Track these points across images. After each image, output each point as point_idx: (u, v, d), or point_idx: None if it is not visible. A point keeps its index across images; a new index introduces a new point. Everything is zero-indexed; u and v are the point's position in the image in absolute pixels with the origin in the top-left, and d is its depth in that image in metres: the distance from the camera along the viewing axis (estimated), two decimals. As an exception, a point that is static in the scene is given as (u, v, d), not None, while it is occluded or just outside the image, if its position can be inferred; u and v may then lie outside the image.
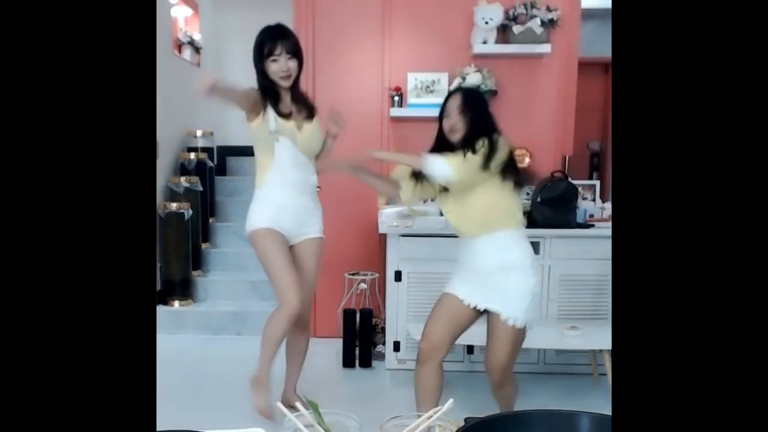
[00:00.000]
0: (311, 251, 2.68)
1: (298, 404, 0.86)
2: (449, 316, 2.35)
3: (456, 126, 2.25)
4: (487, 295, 2.27)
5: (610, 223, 3.38)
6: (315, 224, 2.68)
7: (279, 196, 2.54)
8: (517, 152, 3.21)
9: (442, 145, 2.31)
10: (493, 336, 2.32)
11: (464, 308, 2.33)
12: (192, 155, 4.61)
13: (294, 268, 2.55)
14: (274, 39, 2.44)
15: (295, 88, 2.55)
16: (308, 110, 2.59)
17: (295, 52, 2.48)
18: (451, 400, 0.85)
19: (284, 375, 2.81)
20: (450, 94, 2.36)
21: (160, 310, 4.11)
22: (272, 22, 2.56)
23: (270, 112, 2.47)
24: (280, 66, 2.44)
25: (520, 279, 2.24)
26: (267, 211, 2.55)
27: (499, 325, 2.27)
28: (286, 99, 2.54)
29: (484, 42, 3.61)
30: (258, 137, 2.51)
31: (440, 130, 2.32)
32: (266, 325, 2.58)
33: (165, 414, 1.09)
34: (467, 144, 2.22)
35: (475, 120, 2.25)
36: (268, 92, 2.49)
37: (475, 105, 2.28)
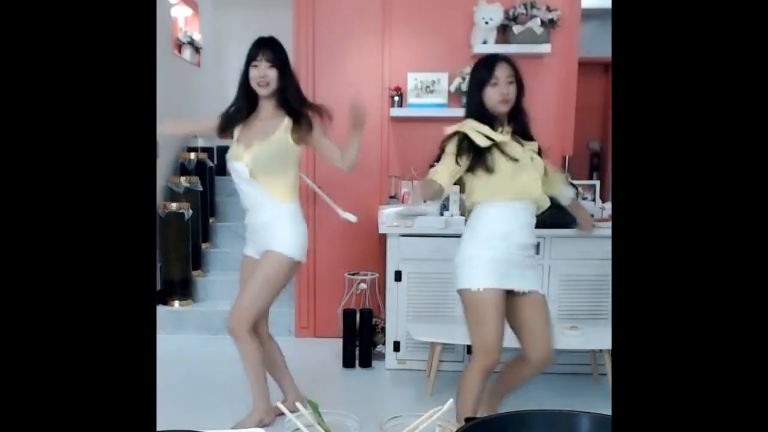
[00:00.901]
0: (258, 265, 2.56)
1: (298, 404, 0.86)
2: (498, 314, 2.22)
3: (509, 96, 2.27)
4: (523, 274, 2.25)
5: (610, 223, 3.38)
6: (275, 239, 2.53)
7: (247, 218, 2.64)
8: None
9: (478, 116, 2.29)
10: (536, 318, 2.28)
11: (503, 299, 2.23)
12: (192, 155, 4.61)
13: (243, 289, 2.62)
14: (258, 46, 2.51)
15: (280, 100, 2.54)
16: (295, 120, 2.52)
17: (276, 62, 2.49)
18: (451, 400, 0.85)
19: (291, 374, 2.82)
20: (496, 58, 2.32)
21: (160, 310, 4.10)
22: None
23: (235, 136, 2.58)
24: (258, 72, 2.48)
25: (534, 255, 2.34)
26: (246, 235, 2.69)
27: (540, 302, 2.29)
28: (264, 111, 2.56)
29: (484, 42, 3.61)
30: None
31: (478, 102, 2.29)
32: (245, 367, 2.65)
33: (165, 414, 1.09)
34: (514, 118, 2.29)
35: (521, 93, 2.32)
36: (239, 103, 2.57)
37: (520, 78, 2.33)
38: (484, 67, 2.30)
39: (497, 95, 2.25)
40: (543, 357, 2.30)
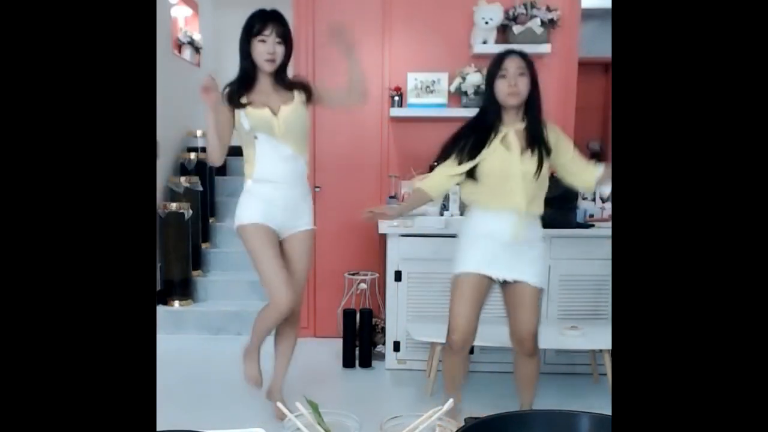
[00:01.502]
0: (302, 244, 2.60)
1: (298, 404, 0.86)
2: (474, 298, 2.40)
3: (518, 88, 2.30)
4: (511, 265, 2.36)
5: (610, 223, 3.38)
6: (305, 216, 2.60)
7: (266, 189, 2.50)
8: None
9: (487, 113, 2.35)
10: (521, 305, 2.40)
11: (486, 285, 2.40)
12: (192, 155, 4.61)
13: (284, 266, 2.52)
14: (265, 20, 2.42)
15: (278, 76, 2.50)
16: (290, 90, 2.52)
17: (285, 38, 2.43)
18: (451, 400, 0.85)
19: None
20: (506, 51, 2.36)
21: (160, 310, 4.10)
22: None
23: (241, 113, 2.46)
24: (266, 47, 2.40)
25: (538, 244, 2.41)
26: (255, 205, 2.51)
27: (528, 291, 2.38)
28: (264, 85, 2.49)
29: (484, 42, 3.61)
30: (238, 133, 2.51)
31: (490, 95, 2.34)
32: (256, 318, 2.63)
33: (165, 414, 1.09)
34: (531, 112, 2.34)
35: (535, 86, 2.35)
36: (244, 78, 2.47)
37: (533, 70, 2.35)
38: (495, 61, 2.35)
39: (506, 87, 2.29)
40: (520, 338, 2.43)
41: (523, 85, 2.30)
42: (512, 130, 2.33)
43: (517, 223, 2.31)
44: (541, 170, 2.31)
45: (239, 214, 2.54)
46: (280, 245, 2.58)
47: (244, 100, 2.46)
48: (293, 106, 2.48)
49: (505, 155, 2.31)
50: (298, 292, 2.60)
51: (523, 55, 2.33)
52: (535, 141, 2.33)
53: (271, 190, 2.50)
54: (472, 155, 2.32)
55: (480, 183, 2.34)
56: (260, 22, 2.41)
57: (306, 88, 2.56)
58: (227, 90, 2.50)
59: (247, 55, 2.45)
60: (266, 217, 2.50)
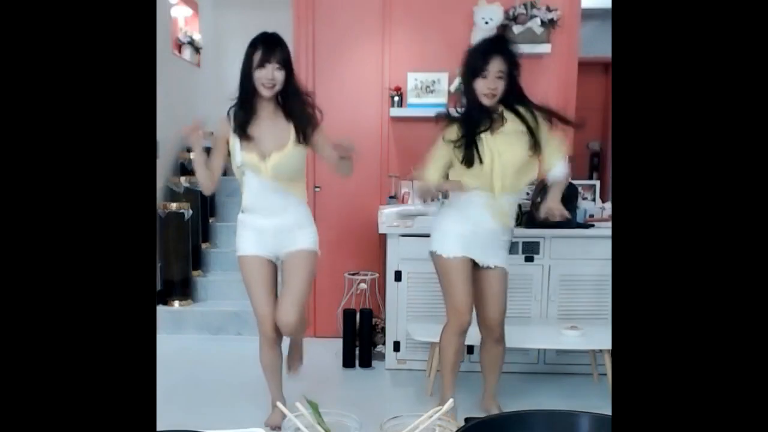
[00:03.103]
0: (296, 263, 2.56)
1: (298, 404, 0.86)
2: (468, 279, 2.53)
3: (495, 91, 2.38)
4: (490, 250, 2.54)
5: (610, 223, 3.38)
6: (302, 237, 2.56)
7: (257, 220, 2.54)
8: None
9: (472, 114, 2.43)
10: (493, 292, 2.58)
11: (471, 269, 2.54)
12: (192, 155, 4.60)
13: (270, 297, 2.59)
14: (264, 46, 2.41)
15: (286, 100, 2.49)
16: (301, 123, 2.49)
17: (285, 64, 2.43)
18: (451, 400, 0.85)
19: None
20: (491, 51, 2.41)
21: (160, 310, 4.10)
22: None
23: (236, 144, 2.47)
24: (266, 73, 2.40)
25: (511, 230, 2.60)
26: (248, 235, 2.57)
27: (500, 278, 2.57)
28: (263, 113, 2.49)
29: (484, 42, 3.60)
30: (232, 160, 2.53)
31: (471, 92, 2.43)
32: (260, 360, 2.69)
33: (165, 414, 1.09)
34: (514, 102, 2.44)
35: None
36: (244, 103, 2.47)
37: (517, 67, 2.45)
38: (477, 57, 2.41)
39: (483, 88, 2.39)
40: (490, 326, 2.60)
41: (501, 87, 2.39)
42: (499, 122, 2.44)
43: (500, 208, 2.45)
44: (526, 156, 2.43)
45: (237, 245, 2.62)
46: (283, 266, 2.61)
47: (240, 130, 2.47)
48: (285, 153, 2.46)
49: (492, 145, 2.41)
50: (293, 310, 2.54)
51: (505, 54, 2.39)
52: (523, 130, 2.44)
53: (260, 219, 2.54)
54: (468, 160, 2.42)
55: (467, 170, 2.44)
56: (261, 48, 2.41)
57: (310, 120, 2.51)
58: (232, 112, 2.51)
59: (248, 81, 2.45)
60: (259, 247, 2.55)
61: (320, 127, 2.55)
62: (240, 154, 2.47)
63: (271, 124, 2.49)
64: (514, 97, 2.43)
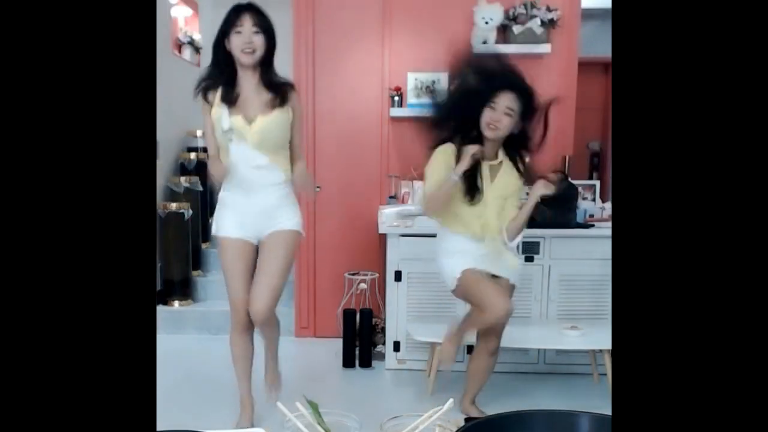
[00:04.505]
0: (275, 244, 2.43)
1: (298, 404, 0.86)
2: (489, 283, 2.57)
3: (500, 125, 2.38)
4: (493, 261, 2.59)
5: (610, 223, 3.38)
6: (284, 217, 2.45)
7: (238, 198, 2.43)
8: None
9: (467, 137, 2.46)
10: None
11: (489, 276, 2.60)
12: (192, 155, 4.61)
13: (248, 283, 2.46)
14: (237, 12, 2.28)
15: (263, 71, 2.34)
16: (277, 94, 2.36)
17: (263, 27, 2.28)
18: (451, 400, 0.85)
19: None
20: (501, 84, 2.39)
21: (160, 310, 4.10)
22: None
23: (223, 108, 2.31)
24: (242, 38, 2.25)
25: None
26: (227, 216, 2.46)
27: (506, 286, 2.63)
28: (245, 84, 2.34)
29: (484, 42, 3.61)
30: (216, 134, 2.37)
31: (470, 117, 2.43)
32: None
33: (165, 414, 1.09)
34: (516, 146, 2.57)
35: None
36: (221, 73, 2.33)
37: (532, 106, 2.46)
38: (484, 85, 2.39)
39: (488, 119, 2.38)
40: (491, 337, 2.66)
41: (506, 123, 2.37)
42: (495, 162, 2.51)
43: (486, 220, 2.54)
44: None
45: (214, 224, 2.54)
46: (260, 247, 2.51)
47: (223, 97, 2.34)
48: (272, 117, 2.34)
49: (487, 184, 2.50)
50: (268, 293, 2.42)
51: (520, 90, 2.37)
52: (514, 173, 2.53)
53: (243, 199, 2.42)
54: (471, 193, 2.49)
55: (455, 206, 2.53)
56: (234, 14, 2.28)
57: (287, 82, 2.42)
58: (203, 85, 2.39)
59: (222, 49, 2.32)
60: (239, 228, 2.45)
61: (299, 107, 2.47)
62: (227, 120, 2.31)
63: (254, 95, 2.35)
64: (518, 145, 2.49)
